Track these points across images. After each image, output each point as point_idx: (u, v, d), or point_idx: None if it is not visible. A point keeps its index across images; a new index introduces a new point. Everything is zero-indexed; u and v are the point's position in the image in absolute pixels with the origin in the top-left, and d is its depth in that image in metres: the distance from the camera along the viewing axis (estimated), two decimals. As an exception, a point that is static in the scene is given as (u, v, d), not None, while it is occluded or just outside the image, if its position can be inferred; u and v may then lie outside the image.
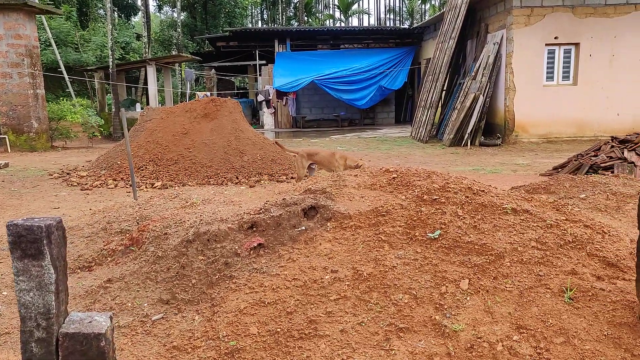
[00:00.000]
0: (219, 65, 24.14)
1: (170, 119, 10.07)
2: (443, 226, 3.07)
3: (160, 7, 33.95)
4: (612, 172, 8.00)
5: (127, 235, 4.20)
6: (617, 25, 13.51)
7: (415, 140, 15.78)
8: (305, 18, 44.66)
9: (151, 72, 18.72)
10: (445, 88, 16.86)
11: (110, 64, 18.19)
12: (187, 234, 3.44)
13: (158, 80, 21.16)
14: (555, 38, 13.58)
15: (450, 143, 14.09)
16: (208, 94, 19.23)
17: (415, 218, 3.22)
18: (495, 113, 14.58)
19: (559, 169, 8.96)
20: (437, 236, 3.01)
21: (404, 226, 3.20)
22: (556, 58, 13.80)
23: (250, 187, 8.55)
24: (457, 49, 16.37)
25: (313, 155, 7.77)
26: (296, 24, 41.94)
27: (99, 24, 32.19)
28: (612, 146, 8.55)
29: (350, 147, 14.44)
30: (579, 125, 13.89)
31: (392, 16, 50.55)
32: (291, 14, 48.52)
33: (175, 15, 29.06)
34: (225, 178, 8.94)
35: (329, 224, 3.42)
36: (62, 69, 18.92)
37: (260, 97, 20.10)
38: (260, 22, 52.53)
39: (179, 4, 26.40)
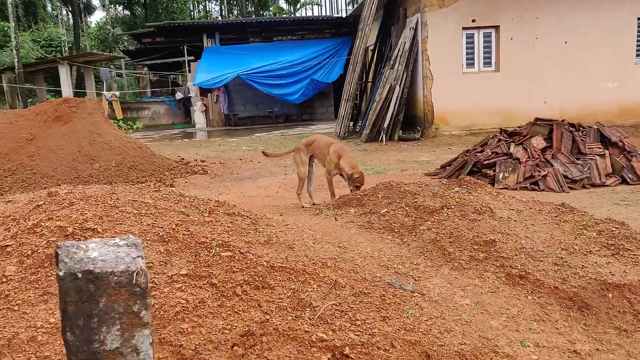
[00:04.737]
0: (152, 63, 22.77)
1: (18, 124, 8.84)
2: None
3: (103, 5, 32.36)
4: (494, 170, 6.99)
5: None
6: (539, 5, 12.51)
7: (336, 136, 14.67)
8: (262, 12, 43.34)
9: (64, 71, 17.36)
10: (370, 79, 15.84)
11: (16, 64, 16.81)
12: None
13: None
14: (473, 21, 12.56)
15: (366, 138, 13.02)
16: (117, 93, 17.93)
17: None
18: (415, 104, 13.55)
19: (446, 167, 7.92)
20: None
21: None
22: (476, 43, 12.77)
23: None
24: (381, 36, 15.34)
25: (310, 145, 6.12)
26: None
27: (48, 24, 30.68)
28: (500, 140, 7.52)
29: (257, 146, 13.30)
30: (504, 115, 12.87)
31: (352, 7, 49.28)
32: (252, 9, 46.99)
33: (112, 12, 27.60)
34: (64, 190, 7.73)
35: None
36: (-34, 71, 17.50)
37: (179, 95, 18.86)
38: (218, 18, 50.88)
39: (107, -1, 24.90)
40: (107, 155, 8.55)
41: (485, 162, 7.18)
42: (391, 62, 13.53)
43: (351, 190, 5.40)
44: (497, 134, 7.79)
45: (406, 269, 3.31)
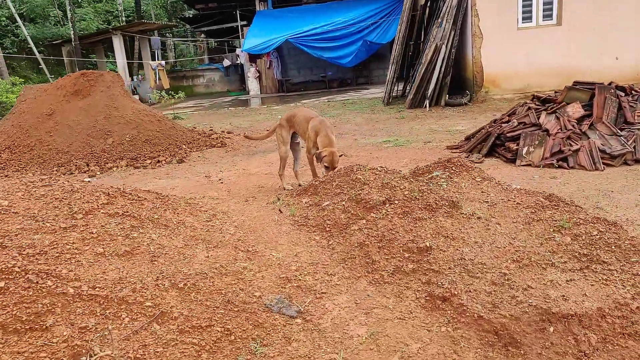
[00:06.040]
0: (209, 29, 22.76)
1: (41, 99, 8.97)
2: None
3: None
4: (518, 144, 6.07)
5: None
6: (613, -56, 10.75)
7: (382, 102, 13.81)
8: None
9: (117, 42, 17.71)
10: (422, 39, 14.70)
11: (72, 36, 17.34)
12: None
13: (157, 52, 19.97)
14: (532, -32, 11.05)
15: (410, 104, 12.10)
16: (163, 62, 17.99)
17: None
18: (465, 66, 12.35)
19: (471, 138, 7.03)
20: None
21: None
22: (534, -7, 11.27)
23: (90, 176, 7.34)
24: (432, -9, 14.09)
25: (291, 120, 5.45)
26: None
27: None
28: (529, 108, 6.50)
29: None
30: (566, 75, 11.32)
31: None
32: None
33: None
34: (75, 166, 7.79)
35: None
36: (31, 45, 18.35)
37: (227, 62, 18.64)
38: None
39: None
40: (122, 130, 8.47)
41: (509, 134, 6.22)
42: (439, 20, 12.35)
43: (322, 173, 4.79)
44: (528, 101, 6.74)
45: (314, 282, 2.77)
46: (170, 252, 2.65)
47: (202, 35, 23.17)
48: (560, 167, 5.66)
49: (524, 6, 11.32)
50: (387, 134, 9.00)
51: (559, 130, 5.95)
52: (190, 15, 22.80)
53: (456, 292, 2.48)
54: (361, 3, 19.48)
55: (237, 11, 20.39)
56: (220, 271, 2.60)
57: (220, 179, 6.56)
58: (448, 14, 11.74)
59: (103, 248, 2.50)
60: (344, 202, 3.38)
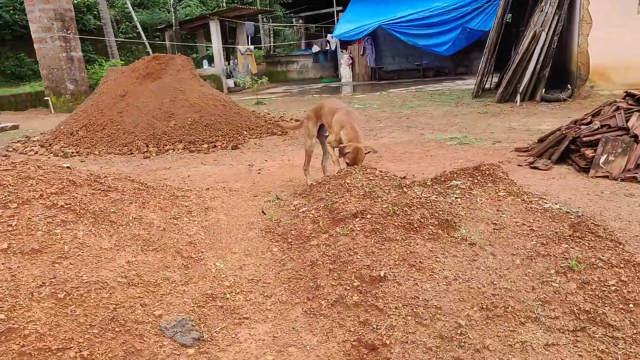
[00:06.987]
0: (306, 15, 22.69)
1: (119, 80, 9.34)
2: None
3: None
4: (595, 150, 5.12)
5: None
6: None
7: (472, 94, 12.74)
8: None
9: (214, 27, 18.16)
10: (522, 26, 13.31)
11: (173, 21, 18.14)
12: None
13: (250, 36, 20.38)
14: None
15: (499, 98, 10.98)
16: (251, 47, 18.10)
17: None
18: (569, 56, 10.91)
19: (544, 140, 6.07)
20: None
21: None
22: (659, -29, 9.58)
23: (145, 157, 7.47)
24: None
25: (319, 112, 5.01)
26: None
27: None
28: (617, 108, 5.42)
29: (375, 104, 12.21)
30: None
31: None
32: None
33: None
34: (136, 146, 7.99)
35: None
36: (140, 30, 19.51)
37: (316, 48, 18.33)
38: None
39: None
40: (185, 113, 8.54)
41: (585, 139, 5.22)
42: (542, 4, 11.03)
43: (343, 168, 4.26)
44: (617, 100, 5.63)
45: (243, 303, 2.37)
46: (86, 254, 2.39)
47: (300, 21, 23.18)
48: (644, 181, 4.63)
49: (645, -13, 9.69)
50: (459, 130, 8.16)
51: (650, 137, 4.88)
52: (290, 1, 22.86)
53: (388, 342, 1.94)
54: (465, -14, 18.19)
55: (335, -4, 20.04)
56: (131, 281, 2.29)
57: (259, 169, 6.30)
58: (551, -3, 10.41)
59: (9, 244, 2.30)
60: (317, 210, 2.91)
